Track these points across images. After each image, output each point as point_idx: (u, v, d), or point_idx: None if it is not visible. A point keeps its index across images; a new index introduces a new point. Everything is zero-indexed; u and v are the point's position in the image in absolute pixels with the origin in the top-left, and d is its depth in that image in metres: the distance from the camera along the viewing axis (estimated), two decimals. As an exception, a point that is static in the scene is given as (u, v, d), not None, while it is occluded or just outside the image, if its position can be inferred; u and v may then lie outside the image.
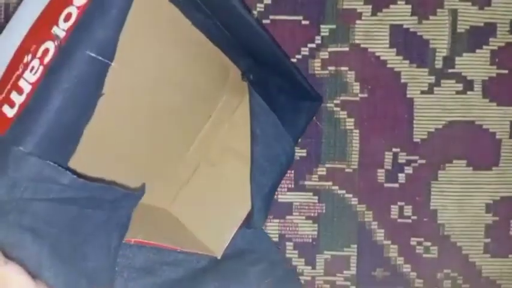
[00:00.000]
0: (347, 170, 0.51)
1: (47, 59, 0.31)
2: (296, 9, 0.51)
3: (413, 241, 0.51)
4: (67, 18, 0.31)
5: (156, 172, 0.45)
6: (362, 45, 0.51)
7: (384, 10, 0.51)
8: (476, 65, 0.51)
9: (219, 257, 0.47)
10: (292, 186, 0.51)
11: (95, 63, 0.30)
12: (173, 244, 0.45)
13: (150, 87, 0.39)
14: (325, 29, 0.51)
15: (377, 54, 0.51)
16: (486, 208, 0.51)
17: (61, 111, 0.30)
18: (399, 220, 0.51)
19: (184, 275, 0.46)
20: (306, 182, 0.51)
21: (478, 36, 0.51)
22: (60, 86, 0.30)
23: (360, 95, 0.51)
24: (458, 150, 0.51)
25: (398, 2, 0.51)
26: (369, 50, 0.51)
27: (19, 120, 0.30)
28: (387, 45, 0.51)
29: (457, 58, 0.51)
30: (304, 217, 0.51)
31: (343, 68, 0.51)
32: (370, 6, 0.51)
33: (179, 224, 0.48)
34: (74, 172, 0.31)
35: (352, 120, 0.51)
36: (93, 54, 0.30)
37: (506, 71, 0.51)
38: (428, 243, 0.51)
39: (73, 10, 0.31)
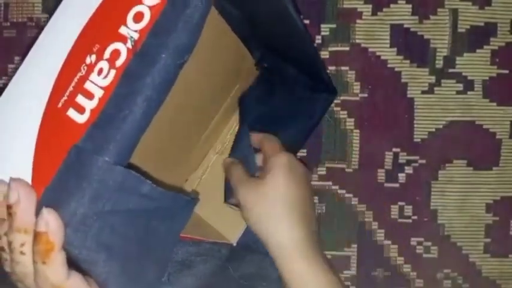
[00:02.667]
0: (347, 170, 0.51)
1: (119, 63, 0.29)
2: (299, 11, 0.50)
3: (414, 241, 0.51)
4: (138, 18, 0.29)
5: (171, 161, 0.45)
6: (362, 45, 0.51)
7: (385, 10, 0.51)
8: (476, 64, 0.51)
9: (234, 244, 0.48)
10: (293, 185, 0.51)
11: (170, 69, 0.29)
12: (199, 235, 0.46)
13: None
14: (325, 29, 0.51)
15: (377, 54, 0.51)
16: (486, 208, 0.51)
17: (143, 119, 0.28)
18: (399, 220, 0.51)
19: (212, 265, 0.49)
20: (306, 182, 0.51)
21: (479, 36, 0.50)
22: (144, 94, 0.28)
23: (360, 95, 0.51)
24: (459, 150, 0.51)
25: (399, 2, 0.50)
26: (370, 49, 0.51)
27: (97, 128, 0.28)
28: (388, 45, 0.51)
29: (457, 58, 0.51)
30: (304, 217, 0.51)
31: (343, 68, 0.51)
32: (371, 6, 0.51)
33: (195, 214, 0.48)
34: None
35: (353, 120, 0.51)
36: (171, 59, 0.28)
37: (506, 71, 0.51)
38: (429, 243, 0.51)
39: (144, 10, 0.29)
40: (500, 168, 0.51)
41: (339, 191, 0.51)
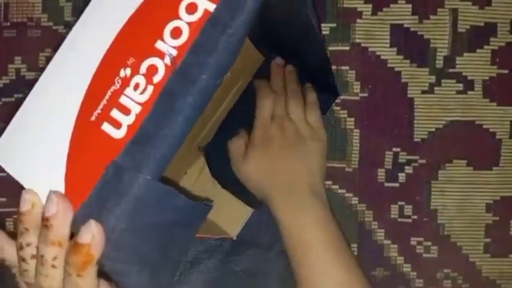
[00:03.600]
0: (347, 170, 0.51)
1: (156, 79, 0.28)
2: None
3: (414, 241, 0.51)
4: (176, 34, 0.28)
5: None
6: (362, 45, 0.51)
7: (385, 9, 0.51)
8: (476, 64, 0.51)
9: (234, 238, 0.49)
10: (293, 185, 0.51)
11: (209, 88, 0.28)
12: (203, 232, 0.47)
13: None
14: (326, 28, 0.51)
15: (377, 53, 0.51)
16: (486, 208, 0.51)
17: (181, 137, 0.28)
18: (399, 220, 0.51)
19: (215, 259, 0.50)
20: (306, 181, 0.51)
21: (479, 36, 0.51)
22: (184, 113, 0.27)
23: (360, 95, 0.51)
24: (459, 150, 0.51)
25: (399, 1, 0.51)
26: (370, 49, 0.51)
27: (136, 145, 0.27)
28: (388, 45, 0.51)
29: (457, 58, 0.51)
30: (304, 216, 0.51)
31: (343, 68, 0.51)
32: (371, 6, 0.51)
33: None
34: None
35: (353, 119, 0.51)
36: (210, 79, 0.28)
37: (506, 71, 0.51)
38: (429, 243, 0.51)
39: (182, 26, 0.28)
40: (500, 168, 0.51)
41: (339, 191, 0.51)
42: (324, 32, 0.51)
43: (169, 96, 0.28)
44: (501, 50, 0.51)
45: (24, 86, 0.52)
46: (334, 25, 0.51)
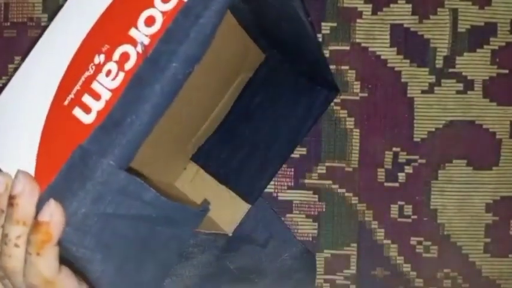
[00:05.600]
0: (347, 169, 0.51)
1: (128, 66, 0.29)
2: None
3: (413, 240, 0.51)
4: (149, 22, 0.29)
5: (170, 149, 0.45)
6: (363, 44, 0.51)
7: (384, 9, 0.51)
8: (476, 64, 0.51)
9: (230, 234, 0.48)
10: (292, 184, 0.51)
11: (179, 77, 0.29)
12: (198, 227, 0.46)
13: None
14: (326, 27, 0.51)
15: (377, 53, 0.51)
16: (486, 208, 0.51)
17: (149, 125, 0.28)
18: (399, 219, 0.51)
19: (209, 255, 0.49)
20: (306, 181, 0.51)
21: (479, 36, 0.51)
22: (152, 101, 0.28)
23: (360, 94, 0.51)
24: (459, 149, 0.51)
25: (399, 1, 0.51)
26: (370, 49, 0.51)
27: (103, 130, 0.28)
28: (388, 45, 0.51)
29: (457, 58, 0.51)
30: (304, 215, 0.51)
31: (343, 67, 0.51)
32: (371, 5, 0.51)
33: (195, 205, 0.49)
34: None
35: (353, 119, 0.51)
36: (180, 68, 0.28)
37: (506, 71, 0.51)
38: (428, 243, 0.51)
39: (156, 14, 0.29)
40: (500, 168, 0.51)
41: (339, 190, 0.51)
42: (324, 32, 0.51)
43: (138, 84, 0.28)
44: (501, 50, 0.51)
45: (25, 86, 0.52)
46: (334, 25, 0.51)
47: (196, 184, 0.50)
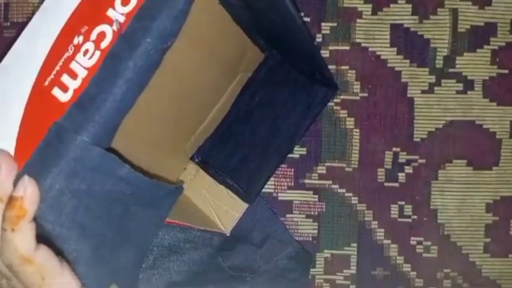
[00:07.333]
0: (347, 169, 0.51)
1: (104, 44, 0.29)
2: (297, 6, 0.50)
3: (413, 240, 0.51)
4: (125, 1, 0.30)
5: (169, 148, 0.45)
6: (363, 44, 0.51)
7: (384, 9, 0.51)
8: (476, 64, 0.51)
9: (228, 234, 0.48)
10: (292, 184, 0.51)
11: (153, 53, 0.29)
12: (190, 222, 0.47)
13: (177, 64, 0.38)
14: (326, 27, 0.51)
15: (377, 53, 0.51)
16: (486, 208, 0.51)
17: (123, 101, 0.29)
18: (399, 219, 0.51)
19: (203, 253, 0.49)
20: (306, 181, 0.51)
21: (479, 36, 0.51)
22: (125, 76, 0.28)
23: (360, 94, 0.51)
24: (459, 149, 0.51)
25: (399, 1, 0.51)
26: (370, 49, 0.51)
27: (78, 107, 0.29)
28: (388, 45, 0.51)
29: (457, 58, 0.51)
30: (304, 215, 0.51)
31: (343, 67, 0.51)
32: (371, 5, 0.51)
33: (191, 203, 0.49)
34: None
35: (352, 119, 0.51)
36: (154, 44, 0.29)
37: (506, 71, 0.51)
38: (428, 243, 0.51)
39: None
40: (500, 168, 0.51)
41: (339, 190, 0.51)
42: (324, 32, 0.51)
43: (112, 60, 0.29)
44: (501, 50, 0.51)
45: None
46: (334, 25, 0.51)
47: (195, 184, 0.50)
